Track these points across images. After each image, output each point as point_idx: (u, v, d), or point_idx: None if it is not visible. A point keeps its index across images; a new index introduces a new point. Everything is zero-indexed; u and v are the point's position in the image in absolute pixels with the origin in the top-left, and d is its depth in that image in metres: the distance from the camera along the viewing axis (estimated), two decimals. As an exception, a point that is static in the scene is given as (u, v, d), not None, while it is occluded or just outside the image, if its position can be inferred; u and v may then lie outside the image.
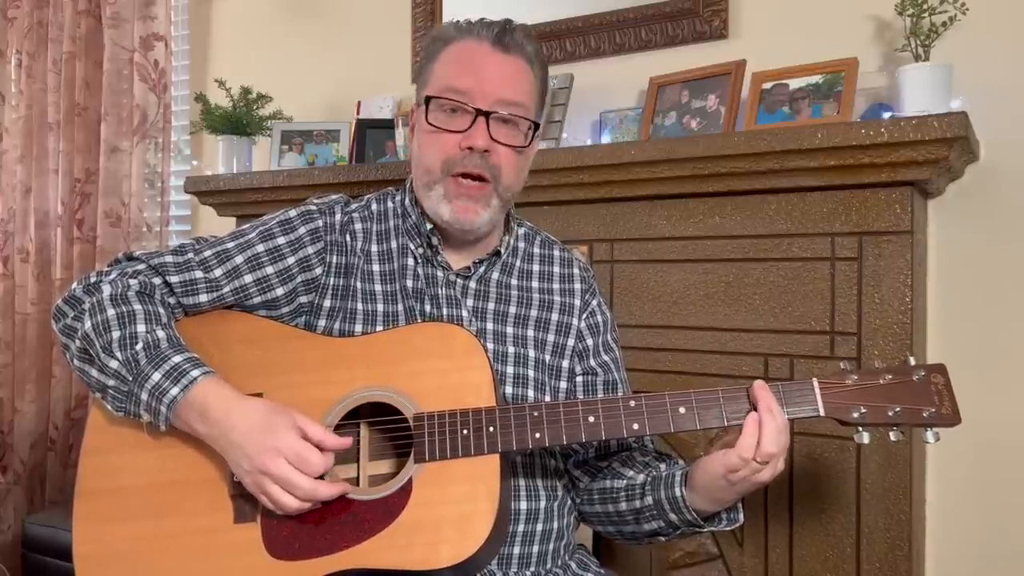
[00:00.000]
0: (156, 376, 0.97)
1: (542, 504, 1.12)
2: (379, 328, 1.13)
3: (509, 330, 1.16)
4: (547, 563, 1.12)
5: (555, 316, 1.20)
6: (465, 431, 0.98)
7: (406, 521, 0.95)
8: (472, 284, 1.18)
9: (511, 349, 1.15)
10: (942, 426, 0.96)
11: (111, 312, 1.01)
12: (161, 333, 1.01)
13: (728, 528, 1.05)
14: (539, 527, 1.11)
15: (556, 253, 1.26)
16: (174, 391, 0.96)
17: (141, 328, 1.00)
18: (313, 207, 1.18)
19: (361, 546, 0.95)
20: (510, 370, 1.14)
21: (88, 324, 1.02)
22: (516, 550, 1.09)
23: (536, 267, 1.23)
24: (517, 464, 1.12)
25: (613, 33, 1.94)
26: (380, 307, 1.14)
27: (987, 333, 1.56)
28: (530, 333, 1.17)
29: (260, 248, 1.12)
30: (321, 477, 0.95)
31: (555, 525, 1.13)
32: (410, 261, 1.17)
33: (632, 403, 0.99)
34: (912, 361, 0.99)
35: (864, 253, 1.46)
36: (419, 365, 1.03)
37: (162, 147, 2.60)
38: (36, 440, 2.69)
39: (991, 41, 1.55)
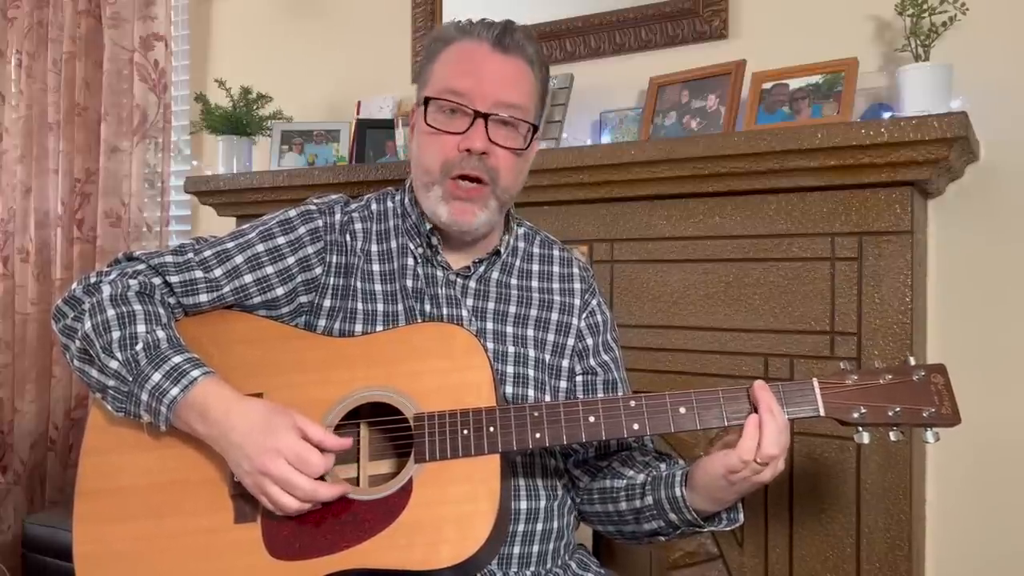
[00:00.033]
0: (156, 376, 0.97)
1: (542, 504, 1.12)
2: (379, 328, 1.13)
3: (509, 329, 1.16)
4: (547, 563, 1.12)
5: (555, 315, 1.20)
6: (465, 431, 0.98)
7: (406, 521, 0.95)
8: (472, 284, 1.18)
9: (511, 348, 1.15)
10: (942, 426, 0.96)
11: (111, 312, 1.01)
12: (161, 333, 1.01)
13: (728, 528, 1.05)
14: (539, 527, 1.11)
15: (556, 253, 1.26)
16: (174, 391, 0.96)
17: (141, 328, 1.00)
18: (313, 207, 1.18)
19: (361, 546, 0.95)
20: (510, 369, 1.14)
21: (88, 324, 1.02)
22: (516, 550, 1.09)
23: (536, 267, 1.23)
24: (517, 464, 1.12)
25: (613, 33, 1.94)
26: (380, 307, 1.14)
27: (987, 333, 1.56)
28: (530, 332, 1.17)
29: (260, 248, 1.12)
30: (322, 478, 0.95)
31: (555, 525, 1.13)
32: (410, 261, 1.17)
33: (632, 403, 0.99)
34: (912, 361, 0.99)
35: (864, 253, 1.46)
36: (419, 365, 1.03)
37: (162, 147, 2.60)
38: (36, 440, 2.69)
39: (991, 41, 1.55)
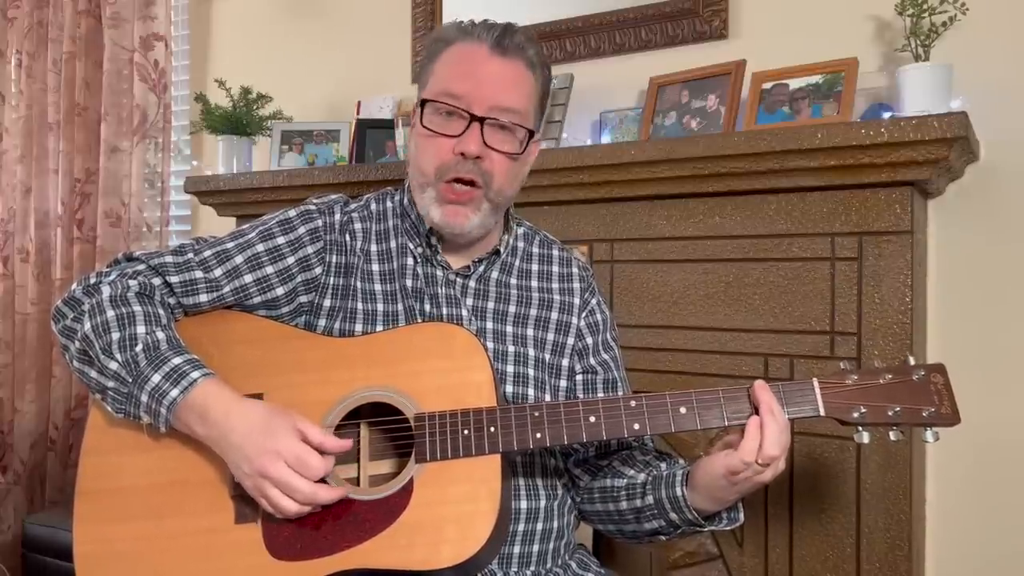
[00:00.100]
0: (156, 378, 0.97)
1: (542, 503, 1.12)
2: (379, 327, 1.13)
3: (509, 329, 1.16)
4: (547, 562, 1.12)
5: (554, 315, 1.20)
6: (466, 431, 0.98)
7: (407, 521, 0.95)
8: (472, 283, 1.18)
9: (511, 348, 1.15)
10: (942, 426, 0.96)
11: (111, 313, 1.01)
12: (161, 334, 1.01)
13: (729, 528, 1.06)
14: (539, 526, 1.11)
15: (555, 253, 1.26)
16: (174, 393, 0.96)
17: (141, 329, 1.00)
18: (312, 207, 1.19)
19: (362, 546, 0.95)
20: (510, 369, 1.14)
21: (88, 325, 1.01)
22: (516, 549, 1.10)
23: (535, 266, 1.23)
24: (517, 463, 1.12)
25: (613, 33, 1.94)
26: (380, 307, 1.15)
27: (987, 333, 1.56)
28: (530, 332, 1.18)
29: (260, 248, 1.12)
30: (323, 480, 0.95)
31: (555, 524, 1.13)
32: (409, 260, 1.18)
33: (633, 403, 0.99)
34: (912, 361, 0.99)
35: (864, 253, 1.46)
36: (419, 365, 1.03)
37: (162, 147, 2.60)
38: (36, 440, 2.69)
39: (991, 41, 1.55)
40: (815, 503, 1.50)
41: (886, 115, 1.48)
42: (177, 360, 0.98)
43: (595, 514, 1.17)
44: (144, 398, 0.97)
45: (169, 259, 1.09)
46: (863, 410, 0.96)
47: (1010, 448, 1.54)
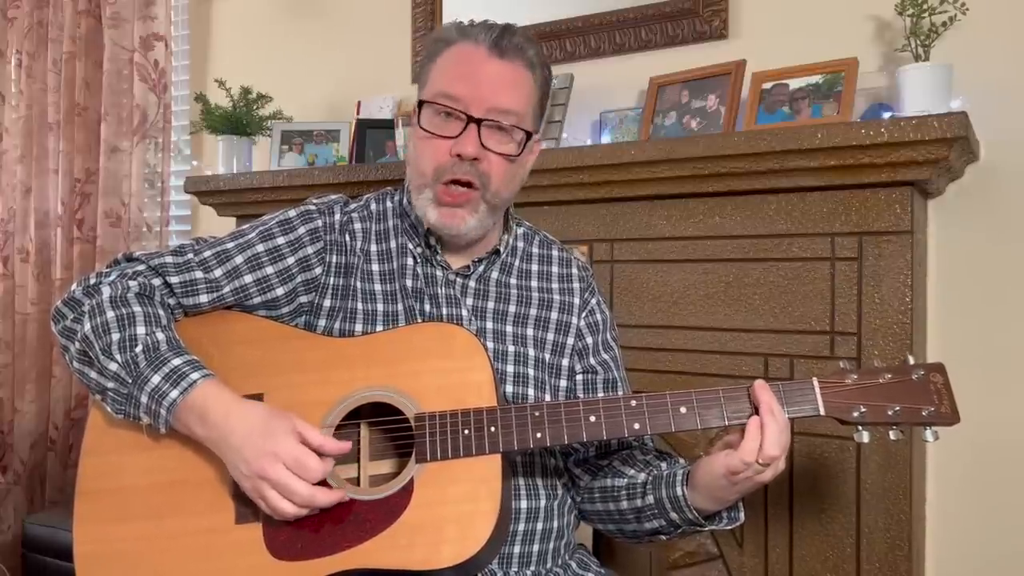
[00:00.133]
0: (155, 379, 0.97)
1: (542, 503, 1.12)
2: (379, 328, 1.13)
3: (509, 329, 1.16)
4: (547, 562, 1.12)
5: (554, 315, 1.20)
6: (466, 431, 0.98)
7: (408, 521, 0.95)
8: (472, 283, 1.18)
9: (511, 348, 1.15)
10: (941, 425, 0.97)
11: (110, 314, 1.01)
12: (160, 335, 1.01)
13: (729, 527, 1.06)
14: (539, 526, 1.11)
15: (555, 253, 1.26)
16: (173, 394, 0.96)
17: (141, 330, 1.00)
18: (312, 207, 1.19)
19: (363, 546, 0.95)
20: (510, 369, 1.14)
21: (87, 326, 1.01)
22: (516, 549, 1.10)
23: (535, 267, 1.23)
24: (517, 463, 1.12)
25: (613, 33, 1.94)
26: (380, 307, 1.15)
27: (987, 333, 1.56)
28: (530, 332, 1.18)
29: (260, 248, 1.12)
30: (322, 482, 0.95)
31: (555, 524, 1.13)
32: (409, 260, 1.18)
33: (633, 402, 0.99)
34: (911, 360, 0.99)
35: (864, 253, 1.46)
36: (420, 365, 1.03)
37: (162, 147, 2.60)
38: (36, 440, 2.69)
39: (991, 41, 1.55)
40: (815, 503, 1.50)
41: (886, 115, 1.48)
42: (177, 361, 0.98)
43: (595, 514, 1.17)
44: (144, 399, 0.97)
45: (169, 259, 1.09)
46: (863, 409, 0.97)
47: (1010, 448, 1.54)
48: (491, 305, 1.18)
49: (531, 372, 1.15)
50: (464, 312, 1.15)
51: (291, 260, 1.13)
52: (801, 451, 1.51)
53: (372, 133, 2.08)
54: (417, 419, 0.99)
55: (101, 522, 1.01)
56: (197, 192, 2.25)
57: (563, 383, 1.19)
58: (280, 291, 1.13)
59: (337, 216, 1.19)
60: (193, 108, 2.50)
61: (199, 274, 1.09)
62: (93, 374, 1.03)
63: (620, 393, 1.20)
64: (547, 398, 1.15)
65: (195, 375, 0.97)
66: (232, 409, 0.96)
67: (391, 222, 1.21)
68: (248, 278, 1.11)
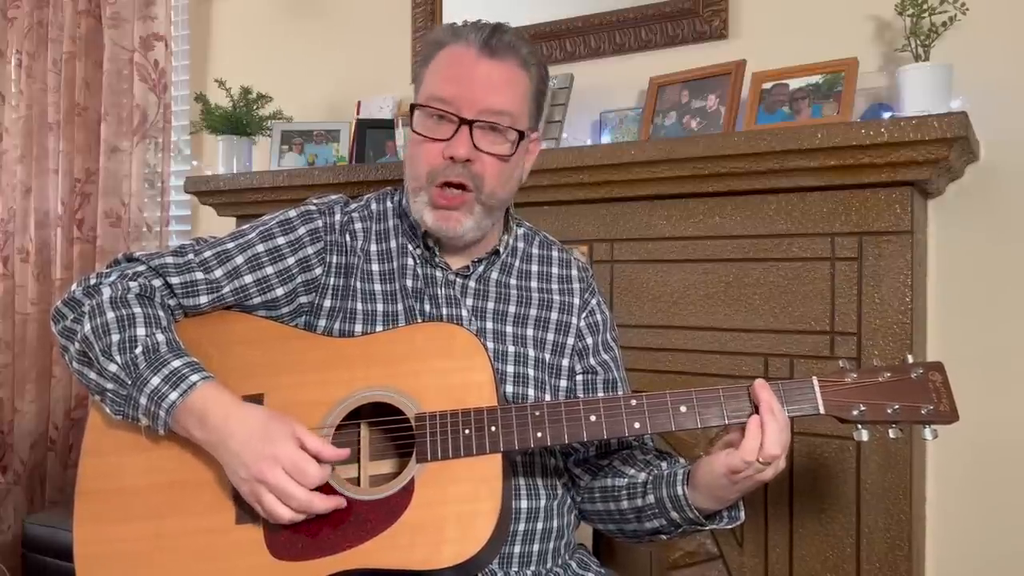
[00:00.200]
0: (155, 380, 0.97)
1: (542, 503, 1.12)
2: (379, 328, 1.13)
3: (509, 329, 1.17)
4: (547, 562, 1.12)
5: (554, 315, 1.20)
6: (467, 431, 0.98)
7: (408, 521, 0.95)
8: (471, 283, 1.18)
9: (511, 348, 1.15)
10: (940, 423, 0.97)
11: (110, 315, 1.01)
12: (160, 337, 1.00)
13: (730, 526, 1.06)
14: (539, 526, 1.11)
15: (554, 254, 1.26)
16: (173, 396, 0.96)
17: (141, 331, 1.00)
18: (313, 207, 1.19)
19: (363, 546, 0.95)
20: (510, 369, 1.14)
21: (87, 327, 1.01)
22: (516, 549, 1.10)
23: (535, 267, 1.23)
24: (517, 463, 1.12)
25: (613, 33, 1.94)
26: (380, 307, 1.15)
27: (987, 333, 1.56)
28: (530, 332, 1.18)
29: (260, 248, 1.12)
30: (321, 487, 0.95)
31: (555, 524, 1.13)
32: (409, 261, 1.18)
33: (633, 402, 0.99)
34: (910, 359, 0.99)
35: (864, 253, 1.46)
36: (420, 365, 1.03)
37: (162, 147, 2.60)
38: (36, 440, 2.69)
39: (991, 41, 1.55)
40: (815, 503, 1.50)
41: (886, 115, 1.48)
42: (177, 363, 0.98)
43: (596, 513, 1.18)
44: (143, 400, 0.97)
45: (169, 260, 1.09)
46: (862, 408, 0.97)
47: (1010, 448, 1.54)
48: (491, 305, 1.18)
49: (531, 372, 1.15)
50: (464, 312, 1.15)
51: (291, 260, 1.13)
52: (801, 451, 1.51)
53: (372, 133, 2.08)
54: (417, 419, 0.99)
55: (101, 523, 1.01)
56: (197, 192, 2.25)
57: (563, 383, 1.19)
58: (280, 291, 1.13)
59: (337, 216, 1.19)
60: (193, 108, 2.50)
61: (200, 275, 1.09)
62: (92, 375, 1.03)
63: (620, 393, 1.20)
64: (547, 398, 1.15)
65: (195, 377, 0.97)
66: (231, 412, 0.96)
67: (391, 222, 1.21)
68: (248, 278, 1.11)
